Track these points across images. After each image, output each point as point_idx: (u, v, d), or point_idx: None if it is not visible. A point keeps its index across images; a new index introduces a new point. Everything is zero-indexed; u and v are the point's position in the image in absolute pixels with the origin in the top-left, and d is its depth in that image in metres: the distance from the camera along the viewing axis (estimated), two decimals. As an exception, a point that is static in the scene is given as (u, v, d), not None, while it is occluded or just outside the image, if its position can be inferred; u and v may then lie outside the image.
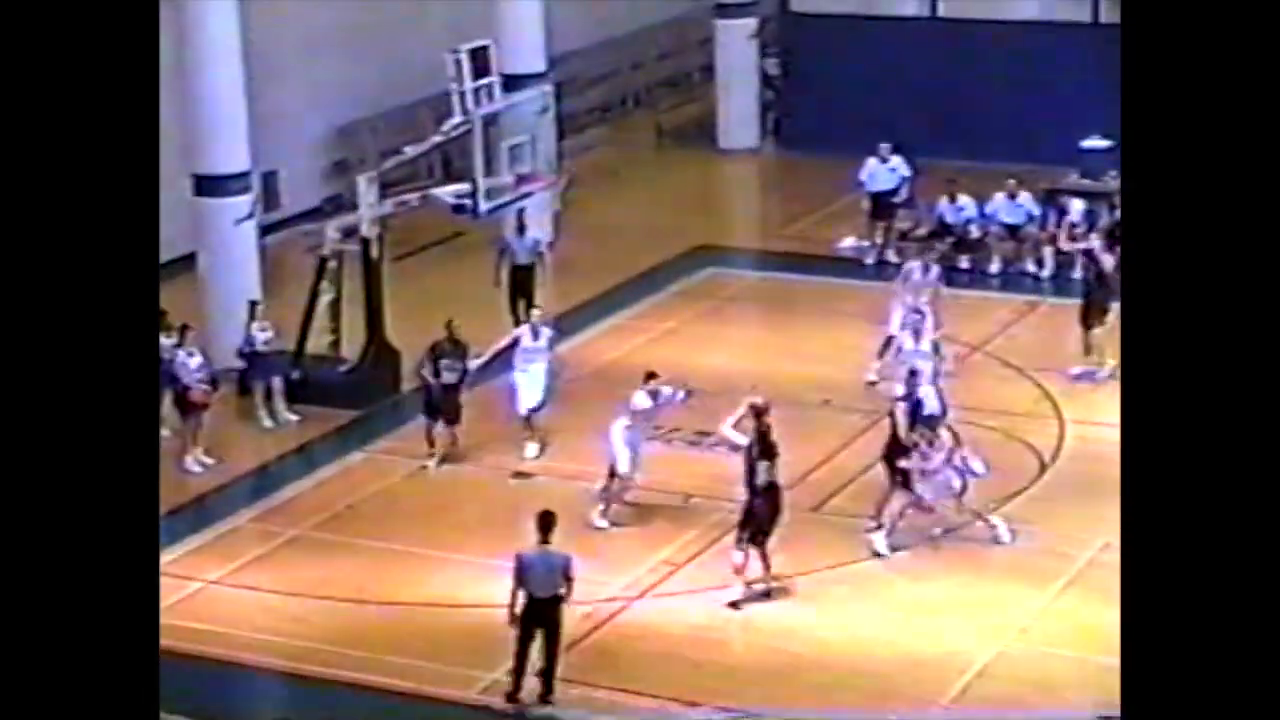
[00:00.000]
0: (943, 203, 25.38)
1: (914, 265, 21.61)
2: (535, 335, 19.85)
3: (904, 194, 25.69)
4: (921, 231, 26.21)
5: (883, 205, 25.65)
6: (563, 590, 14.62)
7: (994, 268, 25.02)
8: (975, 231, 25.13)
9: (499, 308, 23.07)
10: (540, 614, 14.62)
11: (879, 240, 25.70)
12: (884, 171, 25.61)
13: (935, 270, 21.52)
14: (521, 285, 22.81)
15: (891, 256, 25.44)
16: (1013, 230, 25.13)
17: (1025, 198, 24.93)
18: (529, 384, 19.59)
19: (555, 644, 14.75)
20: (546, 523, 14.68)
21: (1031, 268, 24.96)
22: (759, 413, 16.24)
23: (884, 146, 25.56)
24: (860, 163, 25.88)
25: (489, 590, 15.73)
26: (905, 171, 25.64)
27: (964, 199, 25.23)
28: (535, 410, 19.64)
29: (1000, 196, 25.00)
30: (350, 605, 16.69)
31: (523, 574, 14.61)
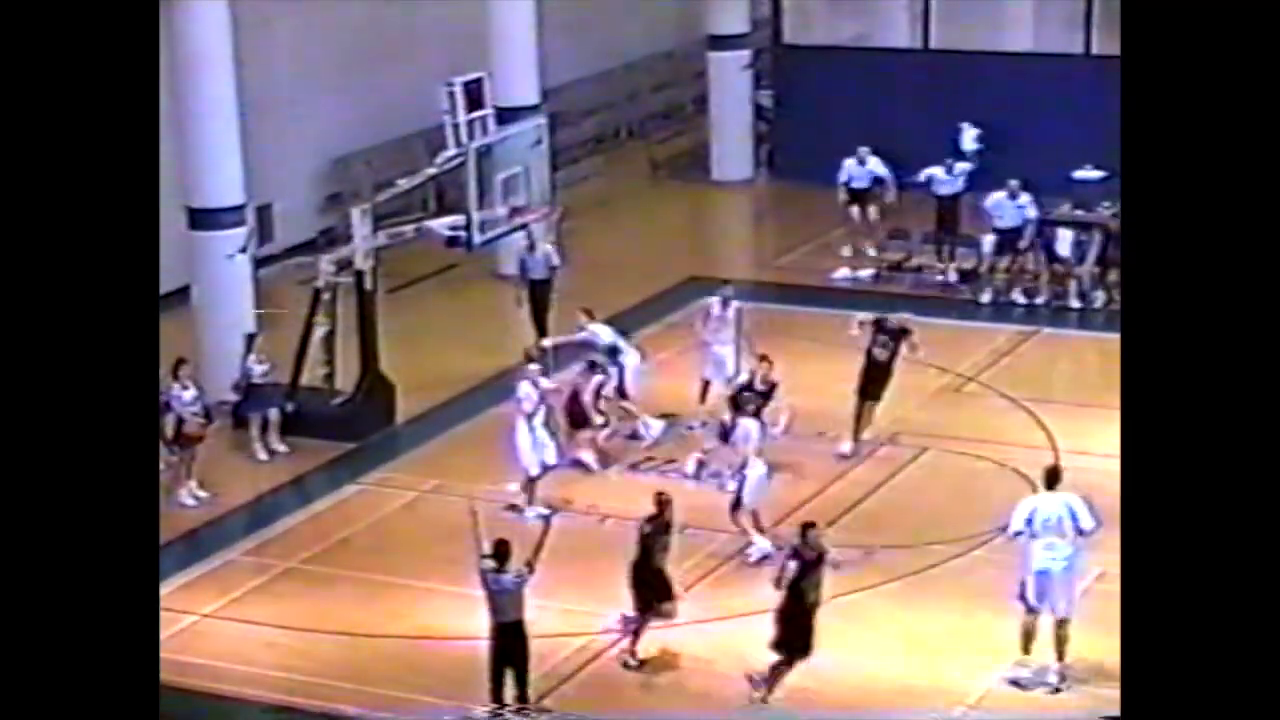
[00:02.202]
0: (938, 171, 25.43)
1: (713, 300, 21.22)
2: (536, 386, 19.17)
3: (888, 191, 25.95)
4: (914, 263, 26.30)
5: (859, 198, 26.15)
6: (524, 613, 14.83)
7: (985, 298, 25.06)
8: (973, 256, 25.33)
9: (493, 340, 23.13)
10: (508, 642, 14.82)
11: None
12: (863, 172, 25.97)
13: (734, 306, 21.05)
14: (538, 301, 23.09)
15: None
16: (1011, 239, 24.93)
17: (1026, 198, 24.86)
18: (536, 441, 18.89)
19: (524, 672, 14.92)
20: (500, 552, 14.85)
21: (1022, 299, 24.98)
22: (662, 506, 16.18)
23: (862, 149, 26.04)
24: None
25: (481, 623, 15.69)
26: (882, 170, 25.94)
27: (961, 166, 25.29)
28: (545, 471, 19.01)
29: (1001, 195, 24.93)
30: (344, 638, 16.65)
31: (489, 596, 14.90)
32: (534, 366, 19.37)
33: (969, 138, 26.41)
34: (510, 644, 14.84)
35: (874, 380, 20.14)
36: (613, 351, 20.54)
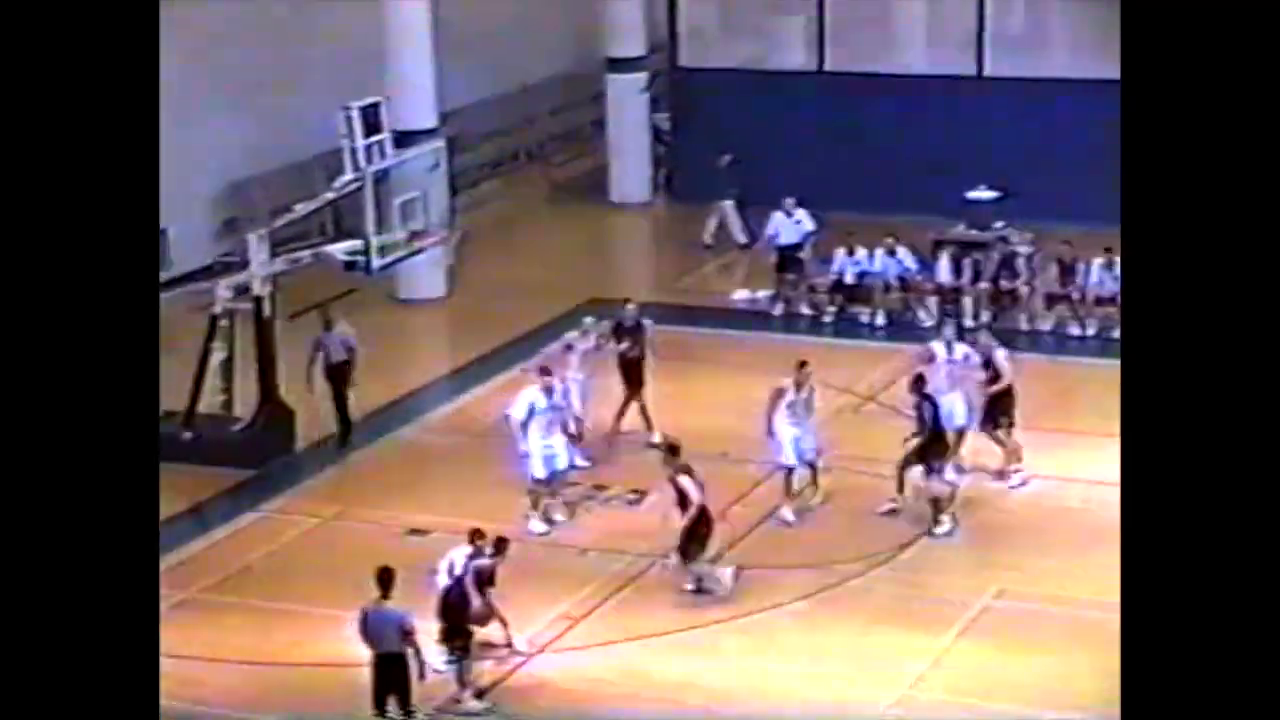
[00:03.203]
0: (840, 254, 25.65)
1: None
2: (549, 394, 19.13)
3: (809, 248, 25.94)
4: (821, 283, 26.48)
5: (788, 259, 25.88)
6: (405, 649, 14.62)
7: (880, 319, 25.27)
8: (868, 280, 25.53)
9: (392, 365, 23.04)
10: (386, 672, 14.69)
11: (788, 293, 25.88)
12: (790, 225, 25.87)
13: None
14: (338, 381, 21.61)
15: (804, 309, 25.68)
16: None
17: (903, 252, 25.32)
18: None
19: (407, 696, 14.74)
20: (384, 579, 14.74)
21: (923, 315, 25.22)
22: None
23: (788, 200, 25.79)
24: (752, 215, 26.16)
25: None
26: (810, 225, 25.90)
27: (862, 252, 25.53)
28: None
29: (879, 252, 25.38)
30: (244, 667, 16.52)
31: (363, 629, 14.74)
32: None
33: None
34: (390, 674, 14.72)
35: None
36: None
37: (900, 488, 19.22)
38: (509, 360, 24.19)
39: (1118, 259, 24.41)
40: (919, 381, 19.32)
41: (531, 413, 18.88)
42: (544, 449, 18.89)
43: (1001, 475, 19.97)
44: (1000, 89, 29.31)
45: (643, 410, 21.25)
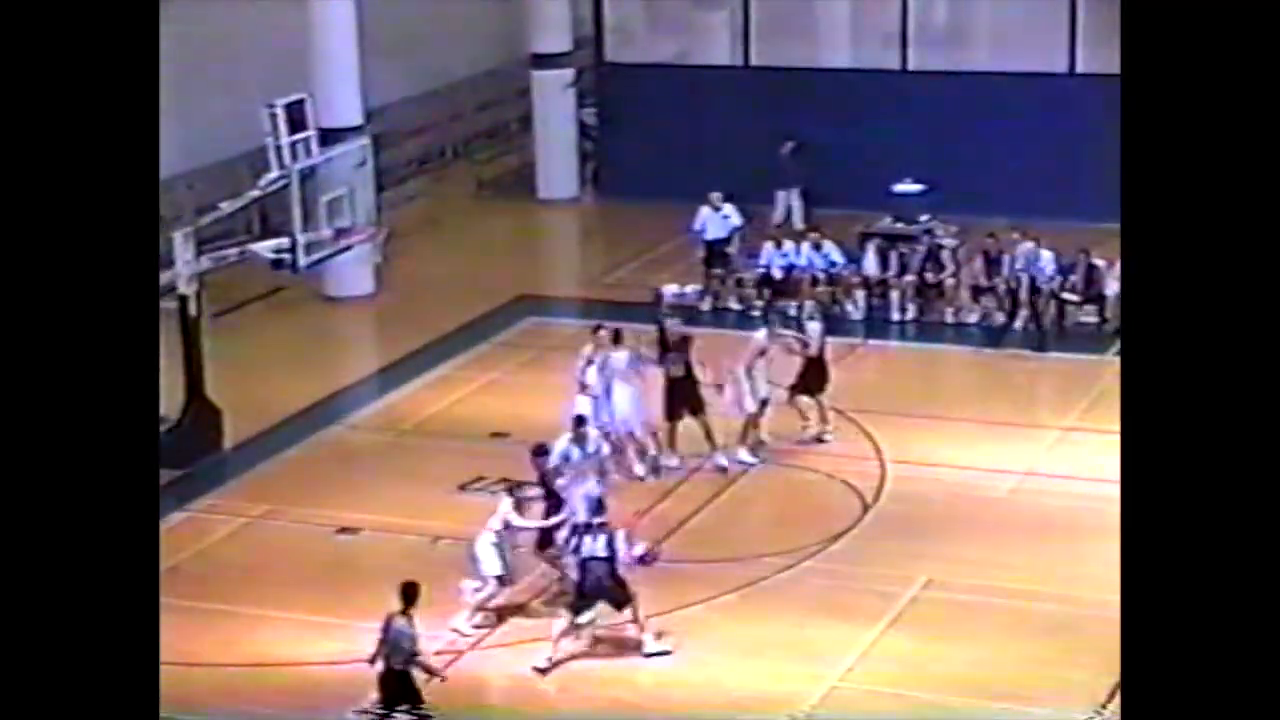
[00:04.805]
0: (767, 248, 25.76)
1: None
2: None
3: (736, 242, 26.04)
4: (748, 278, 26.55)
5: (716, 253, 25.97)
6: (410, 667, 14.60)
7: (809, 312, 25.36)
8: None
9: (320, 363, 22.93)
10: (394, 685, 14.57)
11: (716, 288, 25.96)
12: (717, 219, 25.95)
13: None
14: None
15: (733, 304, 25.75)
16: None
17: (830, 246, 25.45)
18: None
19: (418, 707, 14.63)
20: (408, 593, 14.63)
21: (850, 308, 25.36)
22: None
23: (715, 195, 25.83)
24: (679, 210, 26.20)
25: (313, 649, 15.63)
26: (737, 220, 25.99)
27: (789, 245, 25.66)
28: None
29: (806, 246, 25.50)
30: (175, 668, 16.40)
31: (384, 639, 14.64)
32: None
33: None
34: (398, 687, 14.59)
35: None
36: None
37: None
38: (437, 357, 24.19)
39: (1042, 251, 24.67)
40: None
41: (567, 459, 18.05)
42: (584, 495, 17.63)
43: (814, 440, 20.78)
44: (924, 83, 29.53)
45: (707, 432, 20.23)
